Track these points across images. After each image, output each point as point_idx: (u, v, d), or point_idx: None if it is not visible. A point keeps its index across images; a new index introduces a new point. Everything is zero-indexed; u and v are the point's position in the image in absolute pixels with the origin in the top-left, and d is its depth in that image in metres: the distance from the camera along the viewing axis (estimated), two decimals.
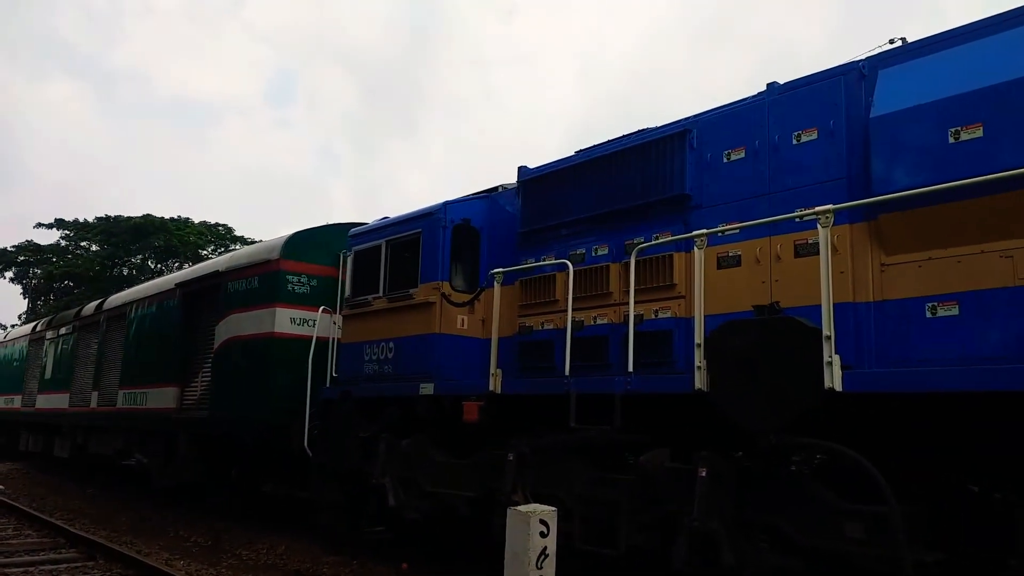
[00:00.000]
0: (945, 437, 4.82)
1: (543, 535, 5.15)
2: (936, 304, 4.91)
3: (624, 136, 7.27)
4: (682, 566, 5.41)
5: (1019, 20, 4.87)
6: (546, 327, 7.29)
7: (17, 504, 12.64)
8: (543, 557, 5.09)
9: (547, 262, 7.32)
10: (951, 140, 4.85)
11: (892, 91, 5.26)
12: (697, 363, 5.47)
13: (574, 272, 6.84)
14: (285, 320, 10.28)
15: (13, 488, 15.47)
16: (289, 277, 10.47)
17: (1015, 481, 4.52)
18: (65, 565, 8.46)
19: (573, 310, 6.74)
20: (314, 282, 10.59)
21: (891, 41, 5.67)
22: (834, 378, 4.73)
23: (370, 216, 9.53)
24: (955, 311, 4.81)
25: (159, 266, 42.82)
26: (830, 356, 4.75)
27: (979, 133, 4.73)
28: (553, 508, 5.37)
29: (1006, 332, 4.56)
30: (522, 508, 5.31)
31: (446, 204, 8.33)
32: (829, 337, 4.78)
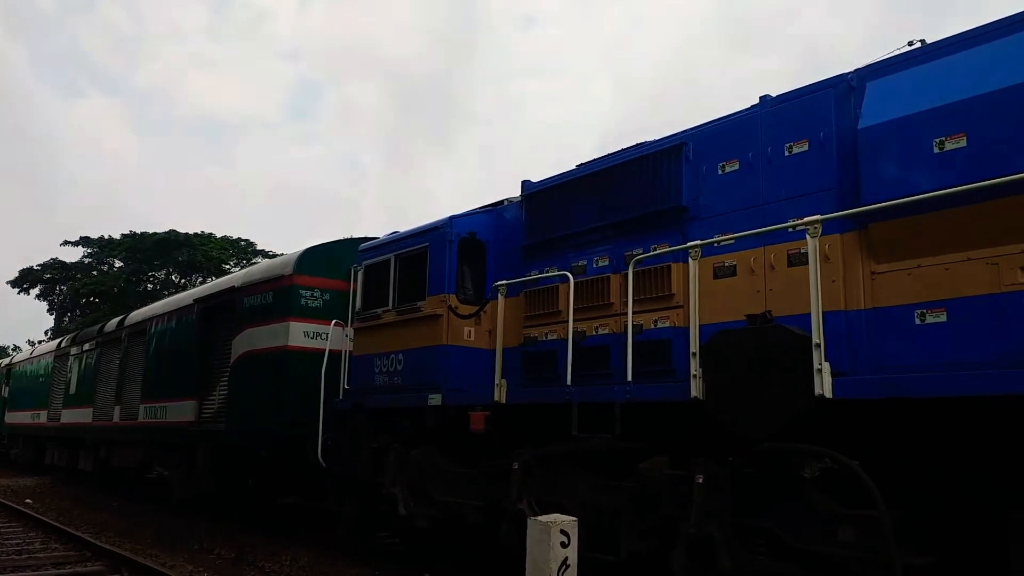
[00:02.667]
0: (936, 442, 4.90)
1: (564, 545, 5.19)
2: (925, 311, 4.99)
3: (623, 149, 7.42)
4: (681, 572, 5.51)
5: (1001, 32, 4.97)
6: (550, 338, 7.42)
7: (44, 518, 12.89)
8: (564, 567, 5.14)
9: (549, 274, 7.46)
10: (936, 150, 4.94)
11: (879, 103, 5.36)
12: (693, 371, 5.59)
13: (576, 283, 6.98)
14: (299, 334, 10.50)
15: (40, 502, 15.80)
16: (302, 292, 10.70)
17: (1005, 486, 4.57)
18: None
19: (575, 321, 6.88)
20: (327, 296, 10.80)
21: (909, 43, 5.72)
22: (824, 385, 4.83)
23: (396, 229, 9.69)
24: (943, 318, 4.89)
25: (182, 280, 43.48)
26: (820, 363, 4.86)
27: (963, 143, 4.82)
28: (574, 518, 5.42)
29: (992, 338, 4.63)
30: (543, 518, 5.34)
31: (452, 218, 8.50)
32: (819, 345, 4.89)
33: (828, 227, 5.25)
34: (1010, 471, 4.55)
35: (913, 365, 4.94)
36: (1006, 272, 4.64)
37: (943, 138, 4.90)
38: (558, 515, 5.68)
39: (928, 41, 5.55)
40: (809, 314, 5.00)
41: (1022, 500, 4.40)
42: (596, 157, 7.71)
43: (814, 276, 5.02)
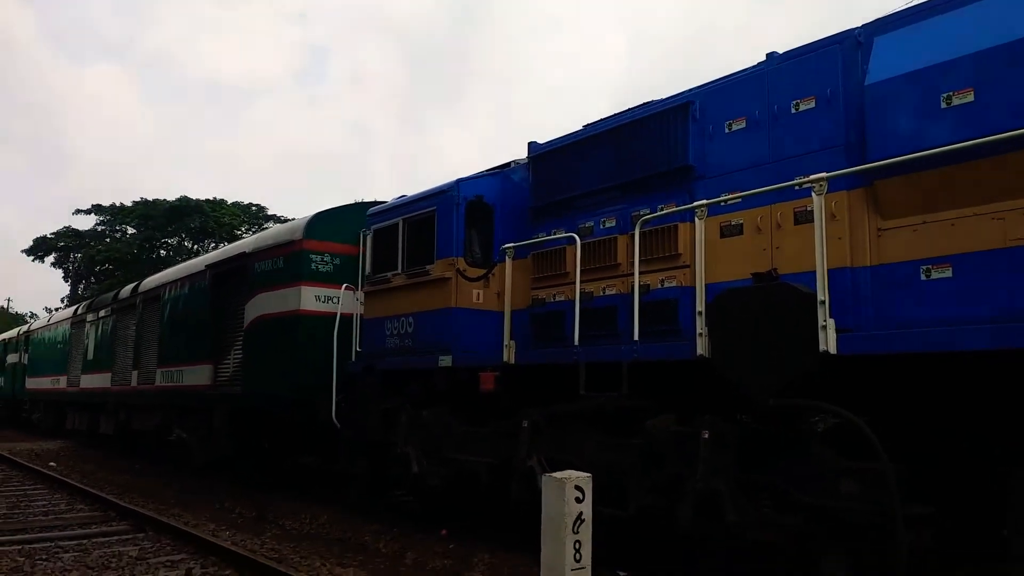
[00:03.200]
0: (939, 398, 4.94)
1: (579, 500, 5.26)
2: (930, 267, 5.00)
3: (629, 109, 7.37)
4: (688, 526, 5.62)
5: None
6: (558, 299, 7.48)
7: (69, 480, 13.16)
8: (579, 522, 5.23)
9: (556, 236, 7.49)
10: (943, 105, 4.90)
11: (887, 58, 5.29)
12: (699, 330, 5.64)
13: (583, 244, 7.01)
14: (310, 298, 10.60)
15: (64, 465, 16.14)
16: (313, 256, 10.78)
17: (1006, 442, 4.62)
18: (116, 537, 8.76)
19: (582, 282, 6.93)
20: (337, 260, 10.87)
21: None
22: (828, 341, 4.88)
23: (410, 191, 9.72)
24: (948, 273, 4.90)
25: (195, 246, 43.74)
26: (824, 320, 4.90)
27: (970, 98, 4.77)
28: (588, 474, 5.52)
29: (997, 293, 4.64)
30: (557, 475, 5.43)
31: (459, 181, 8.51)
32: (824, 302, 4.92)
33: (834, 184, 5.24)
34: (1011, 427, 4.59)
35: (918, 321, 4.96)
36: (1012, 227, 4.63)
37: (950, 93, 4.86)
38: (572, 471, 5.78)
39: None
40: (815, 272, 5.03)
41: (1022, 457, 4.45)
42: (602, 117, 7.67)
43: (819, 234, 5.03)
